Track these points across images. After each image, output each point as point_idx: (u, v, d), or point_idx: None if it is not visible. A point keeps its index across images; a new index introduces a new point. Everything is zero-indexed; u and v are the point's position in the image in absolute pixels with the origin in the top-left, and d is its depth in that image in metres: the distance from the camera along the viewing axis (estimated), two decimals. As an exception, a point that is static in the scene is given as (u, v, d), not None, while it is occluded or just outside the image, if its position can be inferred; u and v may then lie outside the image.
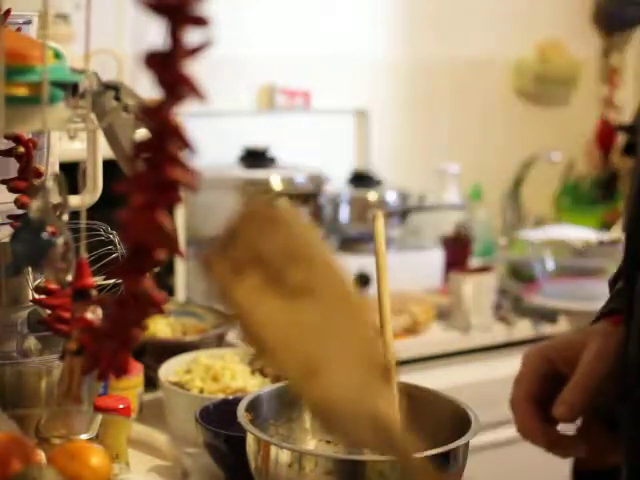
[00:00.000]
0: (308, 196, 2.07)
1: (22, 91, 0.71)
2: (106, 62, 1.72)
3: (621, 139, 2.66)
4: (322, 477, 0.85)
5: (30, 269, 0.93)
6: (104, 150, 0.93)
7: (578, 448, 0.85)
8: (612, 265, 1.98)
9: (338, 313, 0.62)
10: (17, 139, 0.94)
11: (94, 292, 0.74)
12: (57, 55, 0.77)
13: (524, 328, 2.00)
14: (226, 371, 1.23)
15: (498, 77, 2.64)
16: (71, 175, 0.82)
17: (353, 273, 2.07)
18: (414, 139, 2.53)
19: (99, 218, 0.94)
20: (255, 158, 2.10)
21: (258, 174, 2.04)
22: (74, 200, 0.81)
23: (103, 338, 0.67)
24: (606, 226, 2.42)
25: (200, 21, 0.58)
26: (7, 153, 0.95)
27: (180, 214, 1.63)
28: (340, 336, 0.61)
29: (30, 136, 0.95)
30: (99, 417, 0.90)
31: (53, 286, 0.87)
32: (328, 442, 1.00)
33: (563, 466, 1.27)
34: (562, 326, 2.02)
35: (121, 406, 1.01)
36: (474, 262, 2.23)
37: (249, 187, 2.01)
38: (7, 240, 0.85)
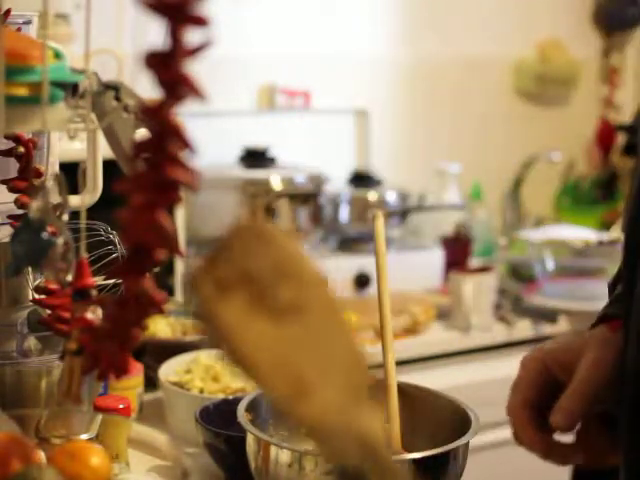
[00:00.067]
0: (308, 196, 2.07)
1: (22, 91, 0.72)
2: (106, 62, 1.72)
3: (621, 139, 2.66)
4: (322, 477, 0.85)
5: (30, 269, 0.93)
6: (104, 150, 0.93)
7: (575, 456, 0.85)
8: (612, 265, 1.98)
9: (326, 331, 0.61)
10: (17, 139, 0.94)
11: (94, 292, 0.74)
12: (57, 55, 0.77)
13: (524, 328, 2.00)
14: (226, 371, 1.23)
15: (498, 77, 2.64)
16: (71, 175, 0.82)
17: (353, 273, 2.07)
18: (414, 139, 2.53)
19: (99, 218, 0.94)
20: (255, 158, 2.10)
21: (258, 174, 2.04)
22: (74, 200, 0.81)
23: (103, 338, 0.67)
24: (606, 226, 2.42)
25: (200, 21, 0.58)
26: (7, 153, 0.95)
27: (180, 214, 1.63)
28: (328, 354, 0.61)
29: (30, 136, 0.95)
30: (99, 417, 0.90)
31: (53, 286, 0.87)
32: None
33: (563, 467, 1.27)
34: (562, 326, 2.02)
35: (121, 406, 1.01)
36: (474, 262, 2.23)
37: (249, 187, 2.01)
38: (7, 240, 0.85)
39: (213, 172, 2.01)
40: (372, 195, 2.21)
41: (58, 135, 1.02)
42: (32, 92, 0.72)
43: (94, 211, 0.90)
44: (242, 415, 0.93)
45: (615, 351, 0.80)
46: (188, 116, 0.97)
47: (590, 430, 0.84)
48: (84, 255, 0.75)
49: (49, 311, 0.88)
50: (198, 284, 0.60)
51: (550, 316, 2.02)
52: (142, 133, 0.62)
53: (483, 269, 2.03)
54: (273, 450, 0.88)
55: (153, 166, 0.61)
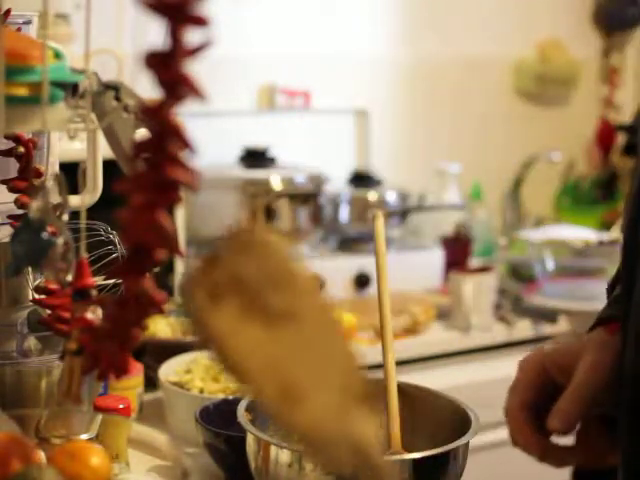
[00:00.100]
0: (308, 196, 2.07)
1: (22, 91, 0.72)
2: (106, 62, 1.72)
3: (621, 139, 2.66)
4: (322, 477, 0.85)
5: (30, 269, 0.93)
6: (104, 150, 0.93)
7: (571, 458, 0.85)
8: (612, 265, 1.98)
9: (319, 338, 0.61)
10: (17, 139, 0.94)
11: (94, 292, 0.74)
12: (57, 55, 0.77)
13: (524, 328, 2.00)
14: (226, 371, 1.23)
15: (498, 77, 2.64)
16: (71, 175, 0.82)
17: (353, 273, 2.07)
18: (414, 139, 2.53)
19: (99, 218, 0.94)
20: (255, 158, 2.10)
21: (258, 174, 2.04)
22: (74, 200, 0.81)
23: (103, 338, 0.67)
24: (606, 226, 2.42)
25: (200, 21, 0.58)
26: (7, 153, 0.95)
27: (180, 214, 1.63)
28: (321, 361, 0.61)
29: (30, 136, 0.95)
30: (99, 417, 0.90)
31: (53, 286, 0.87)
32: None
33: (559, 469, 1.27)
34: (562, 326, 2.02)
35: (121, 406, 1.01)
36: (474, 262, 2.23)
37: (249, 187, 2.01)
38: (7, 240, 0.85)
39: (213, 172, 2.01)
40: (372, 195, 2.21)
41: (58, 135, 1.02)
42: (32, 92, 0.72)
43: (94, 211, 0.90)
44: (242, 415, 0.93)
45: (613, 354, 0.80)
46: (188, 116, 0.97)
47: (590, 431, 0.84)
48: (84, 255, 0.75)
49: (49, 311, 0.88)
50: (191, 290, 0.60)
51: (550, 316, 2.02)
52: (142, 133, 0.62)
53: (483, 269, 2.03)
54: (273, 450, 0.88)
55: (153, 166, 0.61)
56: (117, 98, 0.80)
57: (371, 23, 2.43)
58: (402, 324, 1.89)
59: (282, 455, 0.87)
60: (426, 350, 1.90)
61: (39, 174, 0.94)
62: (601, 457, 0.85)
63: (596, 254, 2.17)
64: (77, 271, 0.74)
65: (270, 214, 2.01)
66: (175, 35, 0.58)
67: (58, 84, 0.74)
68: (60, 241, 0.75)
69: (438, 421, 0.97)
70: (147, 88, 0.65)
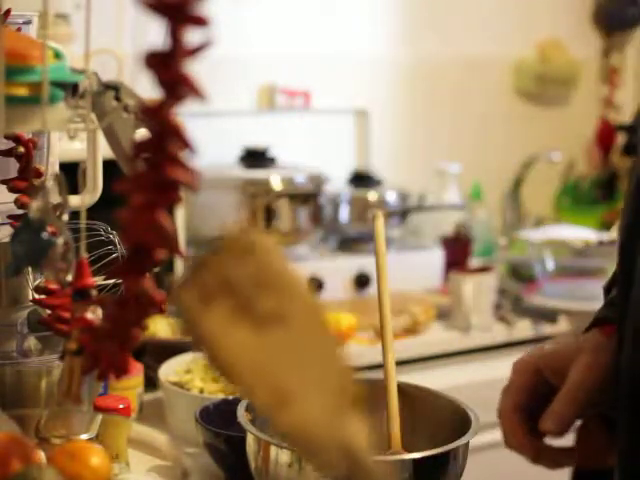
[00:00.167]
0: (308, 196, 2.07)
1: (22, 91, 0.71)
2: (106, 62, 1.72)
3: (621, 139, 2.66)
4: (322, 477, 0.85)
5: (30, 269, 0.93)
6: (104, 150, 0.93)
7: (566, 460, 0.85)
8: (612, 265, 1.98)
9: (309, 341, 0.61)
10: (17, 139, 0.94)
11: (94, 292, 0.74)
12: (57, 55, 0.77)
13: (524, 328, 2.00)
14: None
15: (498, 77, 2.64)
16: (71, 175, 0.82)
17: (353, 273, 2.07)
18: (414, 139, 2.53)
19: (99, 218, 0.94)
20: (255, 158, 2.10)
21: (258, 174, 2.04)
22: (74, 200, 0.81)
23: (103, 338, 0.67)
24: (606, 226, 2.42)
25: (200, 21, 0.58)
26: (7, 153, 0.95)
27: (180, 214, 1.63)
28: (311, 364, 0.61)
29: (30, 136, 0.95)
30: (99, 417, 0.90)
31: (53, 286, 0.87)
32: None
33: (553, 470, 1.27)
34: (562, 326, 2.02)
35: (121, 406, 1.01)
36: (474, 262, 2.23)
37: (249, 187, 2.01)
38: (7, 240, 0.85)
39: (213, 172, 2.01)
40: (372, 195, 2.21)
41: (58, 135, 1.01)
42: (32, 92, 0.72)
43: (94, 211, 0.90)
44: (242, 415, 0.93)
45: (608, 356, 0.80)
46: (188, 116, 0.97)
47: (590, 431, 0.84)
48: (84, 255, 0.75)
49: (49, 311, 0.88)
50: (181, 293, 0.60)
51: (550, 316, 2.02)
52: (142, 133, 0.62)
53: (483, 269, 2.02)
54: (273, 450, 0.88)
55: (153, 166, 0.61)
56: (117, 98, 0.80)
57: (371, 23, 2.43)
58: (402, 324, 1.89)
59: (282, 455, 0.87)
60: (426, 350, 1.90)
61: (39, 174, 0.94)
62: (601, 457, 0.85)
63: (596, 254, 2.17)
64: (77, 271, 0.74)
65: (270, 214, 2.01)
66: (175, 35, 0.58)
67: (58, 84, 0.74)
68: (60, 241, 0.75)
69: (438, 421, 0.97)
70: (147, 88, 0.65)
